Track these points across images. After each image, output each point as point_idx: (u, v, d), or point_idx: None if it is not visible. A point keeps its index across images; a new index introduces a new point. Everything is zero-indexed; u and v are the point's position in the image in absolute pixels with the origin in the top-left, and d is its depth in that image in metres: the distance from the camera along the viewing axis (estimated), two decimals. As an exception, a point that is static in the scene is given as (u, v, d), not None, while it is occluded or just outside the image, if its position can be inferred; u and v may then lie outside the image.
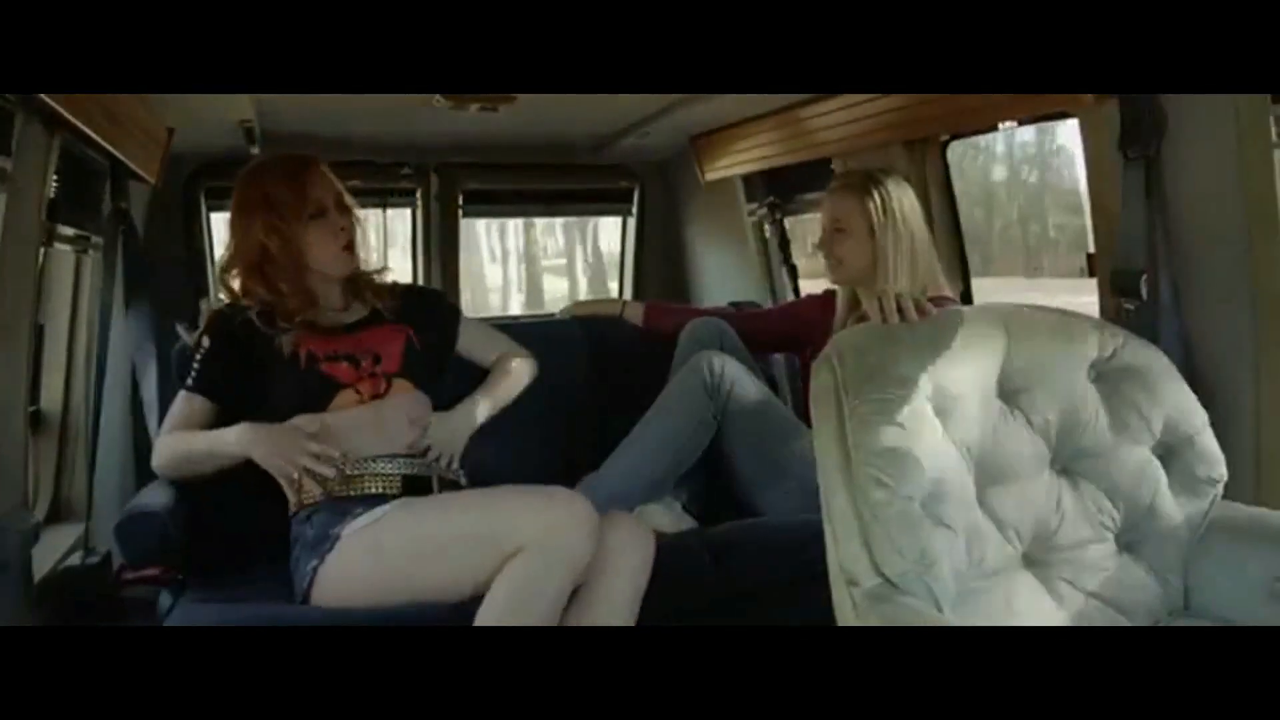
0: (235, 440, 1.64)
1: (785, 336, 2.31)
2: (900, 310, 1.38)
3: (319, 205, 1.74)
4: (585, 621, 1.53)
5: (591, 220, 4.83)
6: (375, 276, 1.87)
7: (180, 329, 1.80)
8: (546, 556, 1.45)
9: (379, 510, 1.60)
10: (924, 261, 1.99)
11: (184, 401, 1.73)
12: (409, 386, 1.79)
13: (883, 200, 1.98)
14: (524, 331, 2.20)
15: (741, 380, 2.01)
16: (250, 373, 1.72)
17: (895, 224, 1.97)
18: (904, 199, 2.00)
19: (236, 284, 1.76)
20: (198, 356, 1.73)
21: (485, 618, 1.45)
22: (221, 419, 1.72)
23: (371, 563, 1.56)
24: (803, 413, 2.06)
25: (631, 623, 1.57)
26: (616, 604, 1.56)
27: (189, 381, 1.73)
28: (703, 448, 2.02)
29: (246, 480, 1.91)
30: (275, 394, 1.72)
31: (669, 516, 1.99)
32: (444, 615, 1.53)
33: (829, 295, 2.23)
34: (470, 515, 1.55)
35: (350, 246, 1.78)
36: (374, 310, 1.84)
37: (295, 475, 1.62)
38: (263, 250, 1.72)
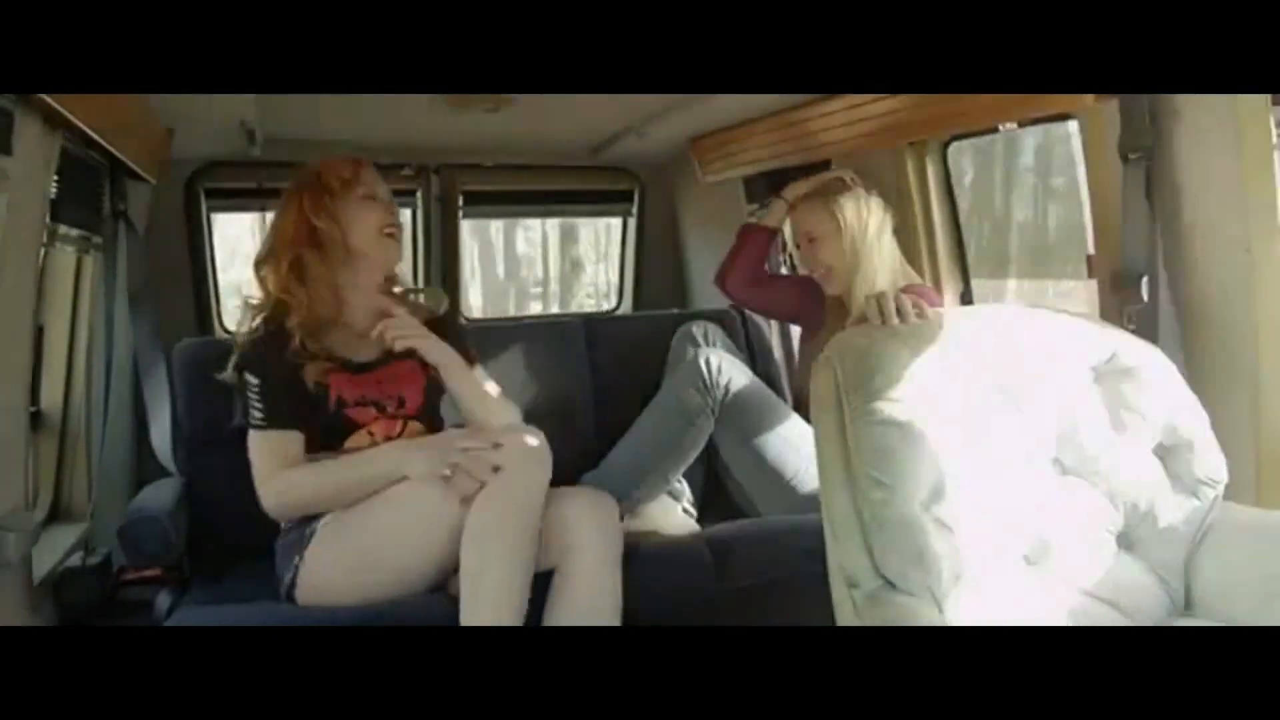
0: (395, 463, 1.61)
1: (796, 308, 2.30)
2: (899, 311, 1.38)
3: (371, 190, 1.76)
4: (568, 601, 1.55)
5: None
6: (400, 301, 1.85)
7: (225, 376, 1.73)
8: (505, 481, 1.49)
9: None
10: (895, 256, 2.05)
11: (269, 441, 1.66)
12: (419, 430, 1.79)
13: (845, 204, 2.03)
14: (524, 332, 2.20)
15: (738, 378, 2.01)
16: (294, 396, 1.68)
17: (864, 225, 2.02)
18: (864, 201, 2.05)
19: (273, 274, 1.72)
20: (253, 394, 1.67)
21: (465, 550, 1.49)
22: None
23: (346, 549, 1.58)
24: (797, 402, 2.07)
25: (617, 594, 1.59)
26: (593, 575, 1.57)
27: (259, 420, 1.67)
28: (700, 445, 2.02)
29: (247, 481, 1.92)
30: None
31: (668, 516, 1.99)
32: (445, 611, 1.53)
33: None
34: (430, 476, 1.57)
35: (395, 234, 1.78)
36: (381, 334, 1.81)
37: (448, 472, 1.56)
38: (309, 231, 1.72)
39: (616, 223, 3.28)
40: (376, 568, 1.57)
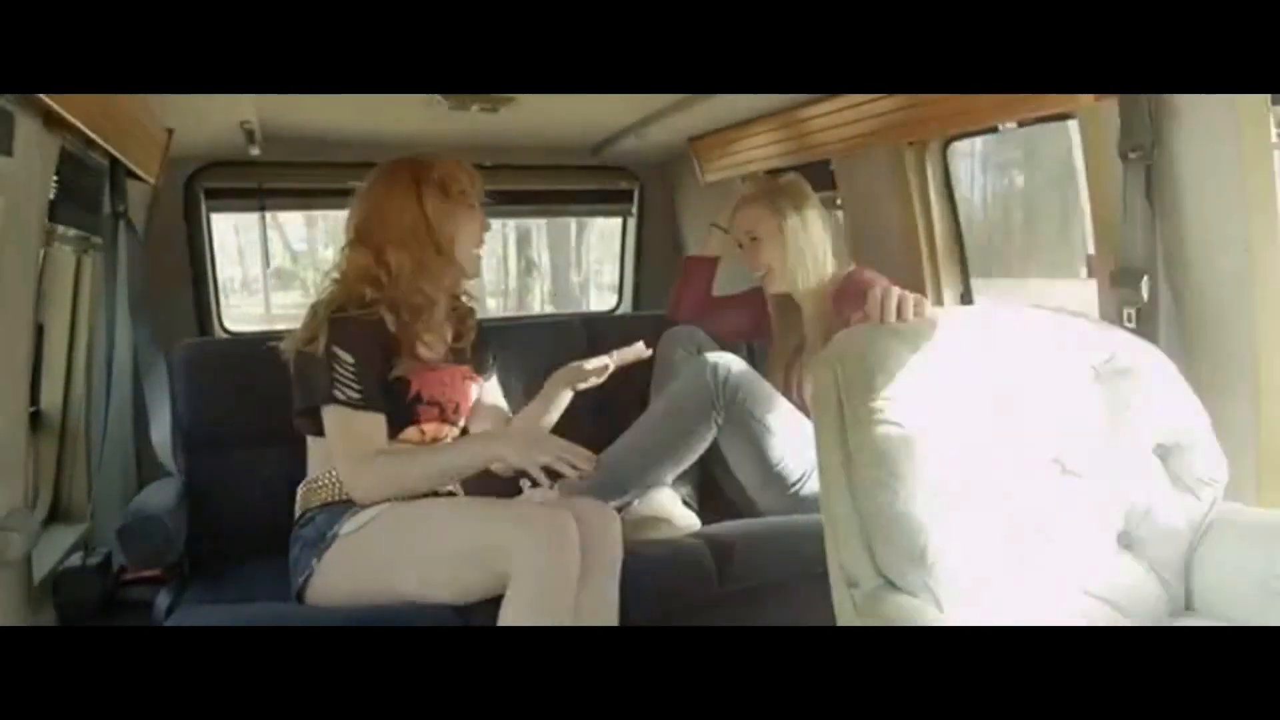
0: (492, 449, 1.64)
1: (738, 330, 2.34)
2: (899, 310, 1.38)
3: (474, 202, 1.80)
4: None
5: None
6: (465, 300, 1.89)
7: (291, 346, 1.71)
8: (540, 579, 1.47)
9: (370, 511, 1.61)
10: (828, 248, 2.13)
11: (363, 422, 1.64)
12: (456, 435, 1.83)
13: (783, 203, 2.10)
14: (524, 331, 2.20)
15: (745, 384, 1.99)
16: (379, 381, 1.68)
17: (802, 222, 2.09)
18: (802, 199, 2.12)
19: (407, 260, 1.71)
20: (347, 372, 1.63)
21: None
22: None
23: (363, 564, 1.58)
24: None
25: (615, 605, 1.60)
26: (596, 593, 1.58)
27: (356, 399, 1.63)
28: (701, 450, 2.01)
29: (247, 481, 1.92)
30: None
31: (668, 507, 1.99)
32: (443, 616, 1.53)
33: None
34: (457, 531, 1.56)
35: (480, 249, 1.83)
36: (459, 338, 1.85)
37: (547, 459, 1.59)
38: (426, 228, 1.73)
39: (572, 224, 3.28)
40: (389, 595, 1.56)
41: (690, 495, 2.10)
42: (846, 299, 1.99)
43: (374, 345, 1.67)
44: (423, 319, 1.74)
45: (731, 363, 2.01)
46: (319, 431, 1.68)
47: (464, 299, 1.88)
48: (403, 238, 1.72)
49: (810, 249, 2.09)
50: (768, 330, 2.29)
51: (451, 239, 1.76)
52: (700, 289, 2.35)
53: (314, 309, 1.70)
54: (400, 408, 1.70)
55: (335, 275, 1.75)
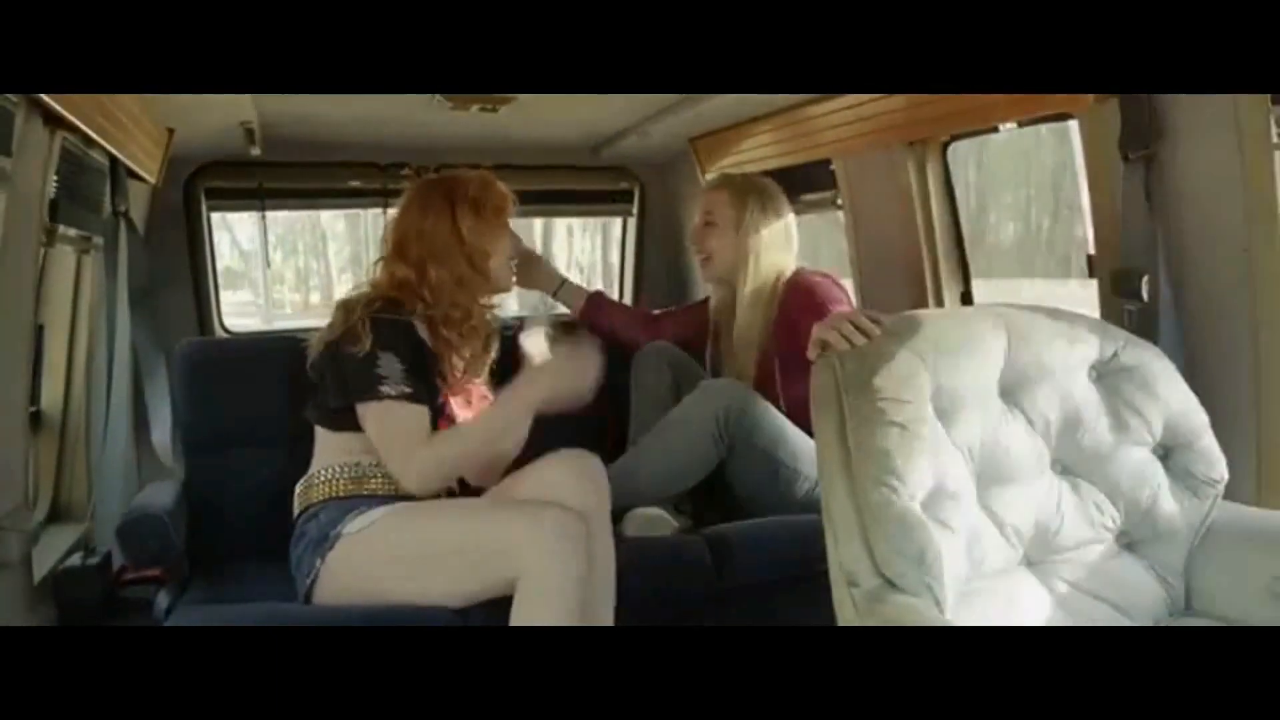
0: (550, 388, 1.68)
1: (683, 339, 2.31)
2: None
3: (506, 219, 1.84)
4: None
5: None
6: (490, 319, 1.90)
7: (314, 340, 1.74)
8: (549, 579, 1.47)
9: (375, 513, 1.61)
10: (783, 251, 2.14)
11: (417, 414, 1.67)
12: None
13: (749, 198, 2.12)
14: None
15: (748, 414, 1.96)
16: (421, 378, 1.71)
17: (761, 222, 2.11)
18: (771, 201, 2.14)
19: (446, 275, 1.75)
20: (397, 369, 1.66)
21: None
22: None
23: (369, 566, 1.58)
24: None
25: (610, 551, 1.64)
26: (593, 540, 1.59)
27: (408, 393, 1.65)
28: (704, 475, 2.00)
29: (247, 481, 1.92)
30: None
31: (663, 520, 1.98)
32: (444, 616, 1.53)
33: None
34: (463, 532, 1.57)
35: (513, 263, 1.88)
36: (484, 353, 1.86)
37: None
38: (461, 244, 1.77)
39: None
40: (396, 595, 1.56)
41: (684, 503, 2.09)
42: (789, 304, 2.05)
43: (414, 348, 1.71)
44: (459, 332, 1.78)
45: (734, 391, 1.99)
46: (337, 427, 1.70)
47: (489, 317, 1.89)
48: (440, 254, 1.76)
49: (758, 249, 2.10)
50: (705, 336, 2.28)
51: (486, 254, 1.80)
52: (624, 319, 2.36)
53: (348, 308, 1.72)
54: (430, 405, 1.72)
55: (367, 283, 1.79)
